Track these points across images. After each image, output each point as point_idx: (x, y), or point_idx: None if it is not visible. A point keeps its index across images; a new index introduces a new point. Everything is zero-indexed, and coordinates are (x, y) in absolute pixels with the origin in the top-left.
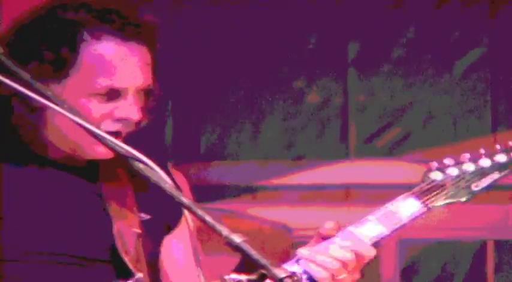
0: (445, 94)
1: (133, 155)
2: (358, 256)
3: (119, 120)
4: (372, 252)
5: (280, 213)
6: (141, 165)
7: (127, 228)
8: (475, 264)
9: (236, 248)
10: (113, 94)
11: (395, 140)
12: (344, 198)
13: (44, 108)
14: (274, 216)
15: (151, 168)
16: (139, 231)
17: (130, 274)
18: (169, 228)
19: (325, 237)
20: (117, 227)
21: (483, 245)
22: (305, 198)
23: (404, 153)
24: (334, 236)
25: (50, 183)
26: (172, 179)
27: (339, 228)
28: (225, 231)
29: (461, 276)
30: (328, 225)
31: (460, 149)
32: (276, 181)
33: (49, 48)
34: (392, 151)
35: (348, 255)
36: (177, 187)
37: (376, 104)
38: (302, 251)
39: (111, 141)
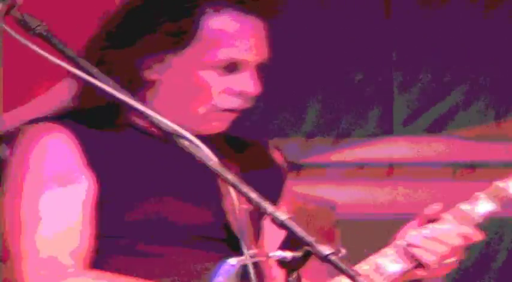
0: (487, 73)
1: (178, 132)
2: (466, 240)
3: (236, 94)
4: (479, 237)
5: (324, 190)
6: (186, 142)
7: (236, 204)
8: None
9: (281, 225)
10: (232, 67)
11: (438, 118)
12: (387, 175)
13: (158, 85)
14: (318, 194)
15: (196, 145)
16: (249, 207)
17: (240, 251)
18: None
19: (430, 219)
20: (228, 202)
21: None
22: (349, 175)
23: (447, 131)
24: (440, 218)
25: (163, 160)
26: (269, 156)
27: (443, 210)
28: (270, 208)
29: (505, 253)
30: (435, 207)
31: (503, 127)
32: (320, 158)
33: (169, 19)
34: (436, 129)
35: (457, 241)
36: (277, 164)
37: (420, 81)
38: (411, 237)
39: (155, 118)
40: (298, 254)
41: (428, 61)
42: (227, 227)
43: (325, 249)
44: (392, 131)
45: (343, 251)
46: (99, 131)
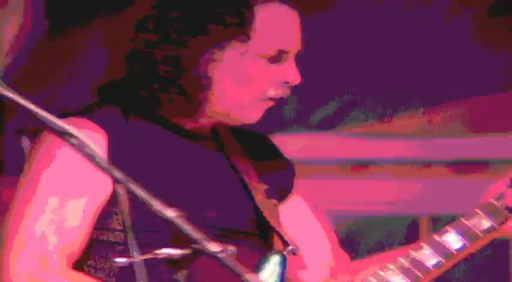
0: (377, 71)
1: (64, 129)
2: None
3: (281, 84)
4: None
5: None
6: (73, 140)
7: (266, 199)
8: (409, 238)
9: (168, 223)
10: (277, 57)
11: (329, 115)
12: None
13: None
14: None
15: (83, 142)
16: (277, 202)
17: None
18: (283, 197)
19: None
20: (258, 198)
21: (416, 220)
22: None
23: (338, 128)
24: None
25: (191, 154)
26: (278, 148)
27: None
28: (158, 205)
29: None
30: None
31: (392, 125)
32: None
33: (230, 11)
34: (327, 126)
35: None
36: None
37: (311, 79)
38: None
39: (42, 115)
40: (187, 251)
41: (319, 59)
42: (258, 221)
43: (214, 247)
44: (285, 128)
45: (232, 248)
46: (130, 125)
